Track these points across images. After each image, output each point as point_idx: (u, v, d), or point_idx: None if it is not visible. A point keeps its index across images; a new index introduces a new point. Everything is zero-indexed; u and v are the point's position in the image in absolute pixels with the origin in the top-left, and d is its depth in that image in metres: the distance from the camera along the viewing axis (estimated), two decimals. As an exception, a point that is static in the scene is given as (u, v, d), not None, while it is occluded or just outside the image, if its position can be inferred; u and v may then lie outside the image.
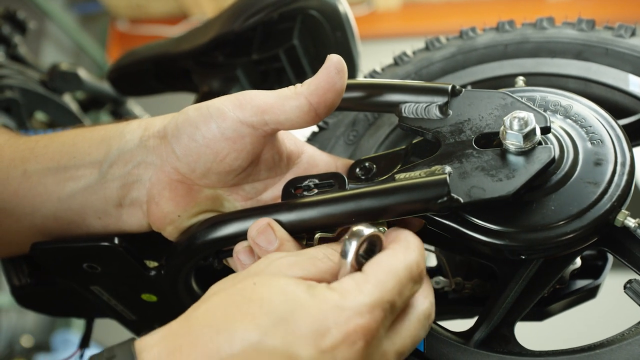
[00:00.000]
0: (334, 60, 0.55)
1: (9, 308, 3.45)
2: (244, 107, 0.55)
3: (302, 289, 0.45)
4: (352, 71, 0.92)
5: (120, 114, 1.36)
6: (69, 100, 1.19)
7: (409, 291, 0.47)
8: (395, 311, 0.46)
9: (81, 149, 0.61)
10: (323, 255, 0.50)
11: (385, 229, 0.54)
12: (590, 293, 0.69)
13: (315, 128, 0.76)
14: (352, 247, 0.47)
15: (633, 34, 0.67)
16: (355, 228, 0.48)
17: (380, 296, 0.44)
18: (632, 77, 0.65)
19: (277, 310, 0.43)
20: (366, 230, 0.48)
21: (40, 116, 1.19)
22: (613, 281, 0.75)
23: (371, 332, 0.43)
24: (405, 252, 0.48)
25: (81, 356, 0.85)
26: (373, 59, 0.82)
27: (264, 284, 0.45)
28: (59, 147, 0.62)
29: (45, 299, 0.77)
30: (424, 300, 0.49)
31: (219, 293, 0.46)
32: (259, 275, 0.47)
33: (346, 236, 0.48)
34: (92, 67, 4.31)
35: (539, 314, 0.68)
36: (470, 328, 0.58)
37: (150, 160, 0.59)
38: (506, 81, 0.70)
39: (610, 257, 0.71)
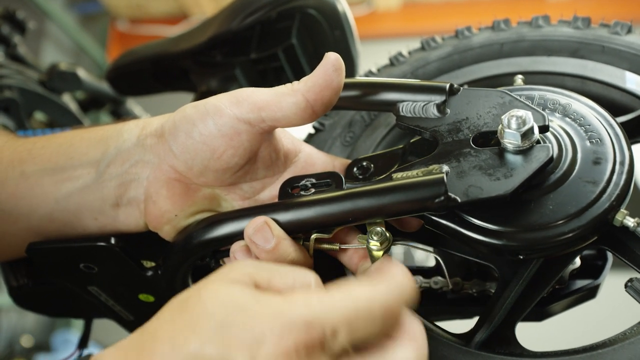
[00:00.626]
0: (332, 58, 0.55)
1: (9, 308, 3.45)
2: (240, 104, 0.55)
3: (248, 294, 0.43)
4: (351, 70, 0.92)
5: (120, 114, 1.36)
6: (68, 100, 1.19)
7: (366, 328, 0.43)
8: (338, 341, 0.42)
9: (79, 149, 0.61)
10: (291, 272, 0.47)
11: (385, 230, 0.54)
12: (590, 293, 0.69)
13: (311, 129, 0.75)
14: None
15: (629, 31, 0.67)
16: None
17: (322, 316, 0.42)
18: (628, 75, 0.65)
19: (216, 318, 0.42)
20: None
21: (39, 116, 1.19)
22: (613, 281, 0.75)
23: (303, 348, 0.41)
24: (378, 285, 0.45)
25: (80, 356, 0.85)
26: (373, 59, 0.82)
27: (208, 291, 0.44)
28: (56, 148, 0.62)
29: (43, 299, 0.77)
30: (403, 351, 0.44)
31: (170, 307, 0.45)
32: (207, 285, 0.45)
33: None
34: (92, 67, 4.31)
35: (539, 314, 0.67)
36: (471, 329, 0.58)
37: (148, 158, 0.59)
38: (503, 80, 0.70)
39: (610, 257, 0.71)
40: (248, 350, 0.41)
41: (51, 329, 3.76)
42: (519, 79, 0.66)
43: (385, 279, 0.46)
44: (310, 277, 0.47)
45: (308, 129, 0.76)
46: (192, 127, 0.56)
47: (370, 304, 0.43)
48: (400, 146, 0.63)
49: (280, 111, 0.55)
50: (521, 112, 0.53)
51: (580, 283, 0.69)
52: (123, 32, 4.66)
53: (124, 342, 0.44)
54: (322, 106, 0.55)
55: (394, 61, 0.77)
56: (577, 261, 0.65)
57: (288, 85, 0.56)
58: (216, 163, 0.57)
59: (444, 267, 0.66)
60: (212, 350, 0.41)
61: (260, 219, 0.54)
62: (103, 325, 0.98)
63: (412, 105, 0.60)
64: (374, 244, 0.54)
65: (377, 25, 4.38)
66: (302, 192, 0.58)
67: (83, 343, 0.84)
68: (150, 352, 0.42)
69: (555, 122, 0.58)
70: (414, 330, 0.45)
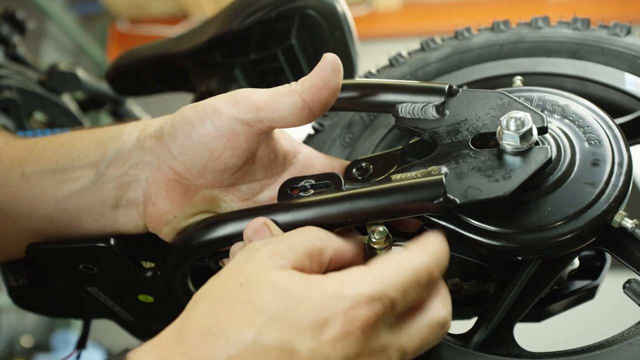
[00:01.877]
0: (329, 59, 0.55)
1: (8, 308, 3.45)
2: (238, 104, 0.55)
3: (295, 281, 0.44)
4: (351, 71, 0.92)
5: (119, 114, 1.36)
6: (68, 101, 1.19)
7: (415, 293, 0.47)
8: (396, 310, 0.46)
9: (79, 150, 0.62)
10: (303, 238, 0.49)
11: (386, 228, 0.54)
12: (588, 294, 0.69)
13: (310, 130, 0.75)
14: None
15: (628, 32, 0.67)
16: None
17: (381, 290, 0.44)
18: (628, 76, 0.65)
19: (270, 307, 0.42)
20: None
21: (39, 116, 1.19)
22: (612, 282, 0.75)
23: (370, 324, 0.43)
24: (419, 254, 0.48)
25: (78, 357, 0.85)
26: (373, 60, 0.82)
27: (250, 283, 0.45)
28: (57, 148, 0.63)
29: (43, 299, 0.77)
30: (440, 308, 0.49)
31: (205, 298, 0.45)
32: (242, 273, 0.46)
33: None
34: (92, 68, 4.31)
35: (537, 315, 0.68)
36: (469, 330, 0.58)
37: (147, 160, 0.59)
38: (502, 81, 0.70)
39: (609, 258, 0.71)
40: (311, 334, 0.41)
41: (51, 329, 3.76)
42: (518, 80, 0.67)
43: (422, 245, 0.49)
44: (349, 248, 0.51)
45: (307, 130, 0.76)
46: (191, 128, 0.56)
47: (418, 273, 0.47)
48: (400, 147, 0.63)
49: (277, 112, 0.55)
50: (520, 114, 0.53)
51: (579, 284, 0.69)
52: (123, 32, 4.66)
53: (159, 339, 0.43)
54: (320, 107, 0.56)
55: (393, 62, 0.77)
56: (576, 262, 0.65)
57: (286, 85, 0.56)
58: (215, 164, 0.57)
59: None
60: (271, 339, 0.41)
61: (259, 220, 0.54)
62: (102, 326, 0.98)
63: (411, 106, 0.60)
64: (377, 243, 0.54)
65: (376, 25, 4.39)
66: (301, 193, 0.58)
67: (82, 343, 0.84)
68: (199, 349, 0.41)
69: (554, 124, 0.58)
70: (445, 290, 0.51)
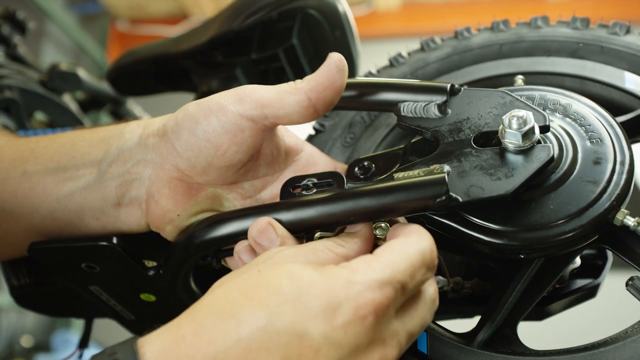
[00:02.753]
0: (335, 58, 0.56)
1: (9, 308, 3.45)
2: (243, 100, 0.55)
3: (310, 270, 0.45)
4: (352, 71, 0.92)
5: (120, 114, 1.36)
6: (68, 101, 1.19)
7: (422, 276, 0.48)
8: (406, 293, 0.46)
9: (81, 149, 0.62)
10: (323, 247, 0.50)
11: (388, 225, 0.54)
12: (590, 292, 0.69)
13: (311, 130, 0.75)
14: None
15: (628, 31, 0.67)
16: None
17: (391, 275, 0.45)
18: (627, 75, 0.65)
19: (284, 291, 0.43)
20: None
21: (40, 116, 1.19)
22: (613, 280, 0.75)
23: (382, 308, 0.44)
24: (418, 239, 0.49)
25: (80, 356, 0.85)
26: (373, 59, 0.82)
27: (269, 270, 0.45)
28: (58, 147, 0.63)
29: (44, 299, 0.77)
30: (429, 287, 0.51)
31: (222, 285, 0.46)
32: (262, 264, 0.47)
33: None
34: (92, 68, 4.31)
35: (539, 313, 0.68)
36: (473, 329, 0.58)
37: (150, 158, 0.59)
38: (502, 81, 0.70)
39: (610, 256, 0.71)
40: (324, 319, 0.42)
41: (51, 329, 3.76)
42: (519, 79, 0.67)
43: (415, 233, 0.50)
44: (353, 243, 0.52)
45: (308, 130, 0.76)
46: (196, 124, 0.56)
47: (423, 255, 0.48)
48: (402, 146, 0.63)
49: (282, 109, 0.55)
50: (522, 112, 0.53)
51: (581, 282, 0.69)
52: (123, 32, 4.66)
53: (174, 323, 0.43)
54: (324, 105, 0.56)
55: (393, 62, 0.77)
56: (578, 260, 0.65)
57: (291, 83, 0.56)
58: (220, 160, 0.57)
59: (444, 265, 0.66)
60: (284, 322, 0.41)
61: (264, 220, 0.54)
62: (103, 326, 0.98)
63: (413, 105, 0.60)
64: (380, 240, 0.54)
65: (377, 25, 4.39)
66: (304, 192, 0.58)
67: (84, 343, 0.85)
68: (210, 330, 0.41)
69: (556, 122, 0.58)
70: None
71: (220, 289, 0.45)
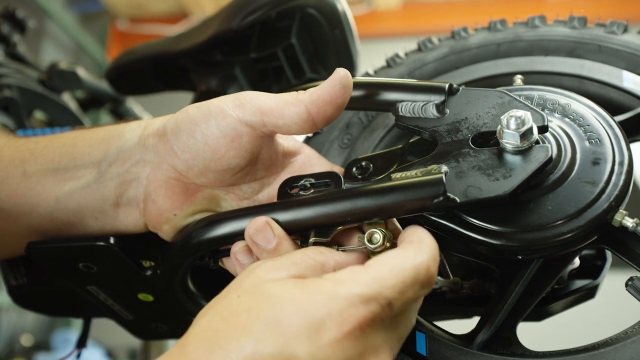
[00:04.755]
0: (341, 74, 0.55)
1: (8, 307, 3.45)
2: (244, 106, 0.55)
3: (289, 286, 0.44)
4: (351, 70, 0.92)
5: (119, 114, 1.36)
6: (68, 100, 1.19)
7: (414, 293, 0.46)
8: (394, 310, 0.45)
9: (81, 149, 0.62)
10: (304, 254, 0.50)
11: (383, 229, 0.54)
12: (589, 293, 0.69)
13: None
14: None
15: (625, 30, 0.67)
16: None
17: (377, 290, 0.44)
18: (625, 74, 0.65)
19: (266, 314, 0.42)
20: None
21: (39, 115, 1.19)
22: (612, 281, 0.75)
23: (367, 322, 0.43)
24: (416, 253, 0.47)
25: (78, 355, 0.85)
26: (373, 59, 0.82)
27: (247, 293, 0.45)
28: (59, 148, 0.63)
29: (43, 298, 0.77)
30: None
31: (205, 314, 0.45)
32: (241, 287, 0.46)
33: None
34: (92, 67, 4.31)
35: (538, 314, 0.68)
36: (472, 330, 0.58)
37: (149, 158, 0.59)
38: (500, 80, 0.70)
39: (609, 257, 0.71)
40: (308, 339, 0.41)
41: (51, 329, 3.76)
42: (518, 79, 0.66)
43: (416, 244, 0.49)
44: (341, 256, 0.51)
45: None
46: (195, 127, 0.56)
47: (417, 272, 0.46)
48: (400, 146, 0.63)
49: (282, 119, 0.55)
50: (520, 113, 0.53)
51: (580, 283, 0.69)
52: (123, 31, 4.66)
53: (165, 357, 0.43)
54: (324, 120, 0.56)
55: (390, 63, 0.77)
56: (576, 261, 0.65)
57: (293, 93, 0.56)
58: (217, 164, 0.57)
59: (446, 264, 0.66)
60: (270, 347, 0.40)
61: (261, 219, 0.54)
62: (103, 326, 0.98)
63: (411, 105, 0.60)
64: (375, 245, 0.53)
65: (376, 24, 4.38)
66: (301, 192, 0.58)
67: (82, 342, 0.84)
68: None
69: (555, 123, 0.58)
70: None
71: (204, 318, 0.45)
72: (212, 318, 0.44)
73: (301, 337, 0.41)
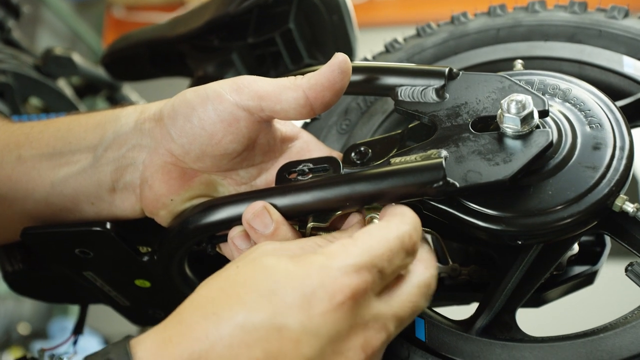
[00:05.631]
0: (339, 59, 0.55)
1: (5, 296, 3.45)
2: (241, 90, 0.55)
3: (285, 261, 0.45)
4: (349, 56, 0.91)
5: (116, 100, 1.35)
6: (63, 86, 1.18)
7: (401, 260, 0.47)
8: (385, 278, 0.46)
9: (77, 134, 0.61)
10: (312, 242, 0.50)
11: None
12: (588, 279, 0.69)
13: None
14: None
15: (626, 15, 0.67)
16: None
17: (368, 259, 0.45)
18: (626, 59, 0.65)
19: (260, 286, 0.43)
20: None
21: (35, 102, 1.18)
22: (611, 267, 0.75)
23: (359, 292, 0.43)
24: (399, 224, 0.48)
25: (75, 342, 0.84)
26: (372, 48, 0.81)
27: (246, 265, 0.46)
28: (54, 132, 0.62)
29: (39, 284, 0.77)
30: (424, 270, 0.50)
31: (205, 284, 0.46)
32: (241, 260, 0.47)
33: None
34: (88, 55, 4.28)
35: (536, 300, 0.67)
36: (471, 316, 0.58)
37: (145, 143, 0.58)
38: (499, 66, 0.69)
39: (609, 243, 0.70)
40: (300, 310, 0.42)
41: (48, 317, 3.76)
42: (518, 63, 0.66)
43: (399, 216, 0.50)
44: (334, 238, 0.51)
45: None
46: (192, 111, 0.55)
47: (402, 239, 0.47)
48: (399, 131, 0.62)
49: (279, 104, 0.55)
50: (521, 97, 0.52)
51: (579, 269, 0.68)
52: (119, 19, 4.63)
53: (162, 325, 0.44)
54: (322, 105, 0.55)
55: (389, 48, 0.77)
56: (575, 247, 0.65)
57: (291, 78, 0.56)
58: (214, 149, 0.56)
59: (445, 250, 0.66)
60: (261, 316, 0.41)
61: (259, 204, 0.54)
62: (100, 313, 0.97)
63: (410, 89, 0.59)
64: None
65: (376, 12, 4.36)
66: (300, 177, 0.57)
67: (78, 329, 0.84)
68: (192, 328, 0.42)
69: (555, 107, 0.58)
70: (427, 253, 0.51)
71: (203, 288, 0.46)
72: (210, 288, 0.45)
73: (293, 308, 0.42)
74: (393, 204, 0.52)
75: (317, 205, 0.53)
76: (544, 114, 0.54)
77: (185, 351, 0.41)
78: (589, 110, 0.57)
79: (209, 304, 0.43)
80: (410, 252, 0.48)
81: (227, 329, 0.41)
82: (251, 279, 0.44)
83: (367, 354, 0.44)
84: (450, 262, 0.67)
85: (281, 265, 0.45)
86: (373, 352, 0.45)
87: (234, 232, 0.56)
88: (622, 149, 0.54)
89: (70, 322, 3.46)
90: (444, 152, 0.53)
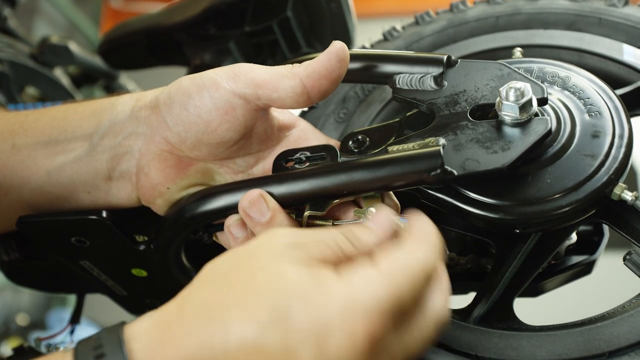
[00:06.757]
0: (337, 47, 0.54)
1: (4, 287, 3.45)
2: (237, 78, 0.54)
3: (306, 276, 0.41)
4: (347, 45, 0.90)
5: (113, 89, 1.35)
6: (60, 75, 1.17)
7: (424, 292, 0.44)
8: (406, 314, 0.43)
9: (72, 122, 0.61)
10: (332, 240, 0.45)
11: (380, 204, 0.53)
12: (586, 269, 0.69)
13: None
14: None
15: (626, 3, 0.66)
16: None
17: (393, 298, 0.41)
18: (626, 47, 0.64)
19: (276, 302, 0.40)
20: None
21: (31, 91, 1.17)
22: (609, 257, 0.75)
23: (378, 336, 0.40)
24: (425, 250, 0.45)
25: (72, 332, 0.84)
26: (371, 38, 0.80)
27: (262, 269, 0.42)
28: (49, 121, 0.62)
29: (35, 273, 0.77)
30: (440, 300, 0.45)
31: (214, 277, 0.43)
32: (258, 256, 0.43)
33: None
34: (85, 45, 4.26)
35: (535, 289, 0.67)
36: (469, 305, 0.58)
37: (141, 130, 0.58)
38: (498, 54, 0.68)
39: (607, 233, 0.70)
40: (315, 342, 0.39)
41: (47, 308, 3.76)
42: (517, 51, 0.66)
43: (423, 239, 0.46)
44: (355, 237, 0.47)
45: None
46: (188, 99, 0.55)
47: (426, 270, 0.44)
48: (397, 119, 0.62)
49: (276, 92, 0.54)
50: (520, 84, 0.52)
51: (576, 259, 0.68)
52: (117, 9, 4.61)
53: (160, 315, 0.42)
54: (319, 94, 0.55)
55: (387, 36, 0.76)
56: (574, 236, 0.65)
57: (288, 66, 0.55)
58: (210, 137, 0.56)
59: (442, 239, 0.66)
60: (274, 340, 0.39)
61: (255, 192, 0.53)
62: (97, 303, 0.97)
63: (408, 77, 0.59)
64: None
65: (375, 3, 4.34)
66: (297, 166, 0.57)
67: (75, 318, 0.84)
68: (197, 331, 0.39)
69: (554, 95, 0.57)
70: (443, 277, 0.47)
71: (213, 283, 0.43)
72: (220, 285, 0.42)
73: (308, 340, 0.39)
74: (419, 219, 0.49)
75: (314, 193, 0.53)
76: (542, 101, 0.53)
77: (187, 354, 0.39)
78: (588, 98, 0.56)
79: (218, 308, 0.40)
80: (433, 281, 0.45)
81: (234, 344, 0.39)
82: (267, 290, 0.40)
83: None
84: (448, 252, 0.67)
85: (301, 281, 0.41)
86: None
87: (231, 221, 0.55)
88: (621, 137, 0.53)
89: (68, 313, 3.46)
90: (442, 140, 0.53)
